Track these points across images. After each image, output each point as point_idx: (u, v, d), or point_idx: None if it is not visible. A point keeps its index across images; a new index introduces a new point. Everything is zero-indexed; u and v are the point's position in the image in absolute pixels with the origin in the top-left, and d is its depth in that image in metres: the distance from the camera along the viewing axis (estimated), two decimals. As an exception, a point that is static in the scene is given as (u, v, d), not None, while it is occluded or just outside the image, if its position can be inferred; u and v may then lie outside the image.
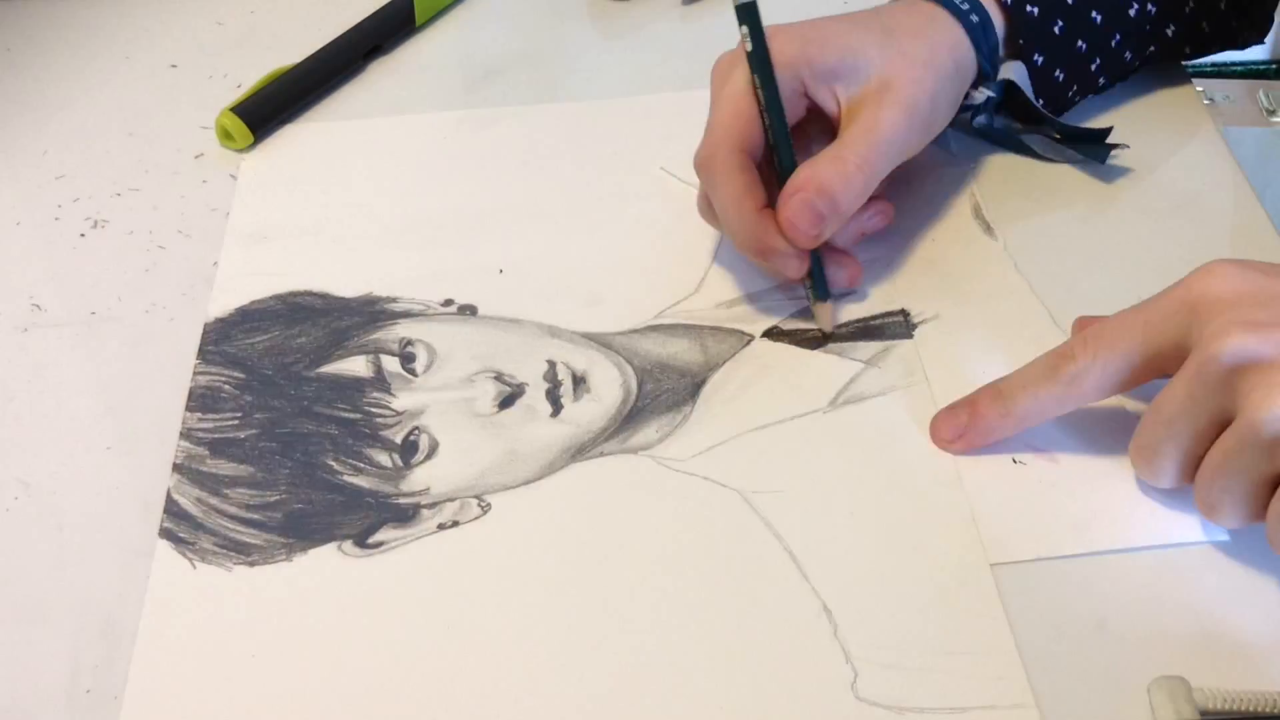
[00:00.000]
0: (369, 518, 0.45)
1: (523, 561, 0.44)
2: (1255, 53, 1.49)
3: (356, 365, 0.50)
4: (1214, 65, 1.42)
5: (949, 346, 0.49)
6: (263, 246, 0.56)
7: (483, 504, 0.45)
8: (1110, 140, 0.55)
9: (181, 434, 0.48)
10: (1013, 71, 0.55)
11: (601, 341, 0.50)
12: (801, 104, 0.50)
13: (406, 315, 0.52)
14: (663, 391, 0.48)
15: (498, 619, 0.42)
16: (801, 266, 0.48)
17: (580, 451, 0.47)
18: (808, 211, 0.47)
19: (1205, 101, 1.04)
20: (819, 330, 0.50)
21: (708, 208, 0.51)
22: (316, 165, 0.60)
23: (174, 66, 0.66)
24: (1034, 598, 0.42)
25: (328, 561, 0.44)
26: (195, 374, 0.50)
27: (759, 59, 0.47)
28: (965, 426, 0.45)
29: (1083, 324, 0.47)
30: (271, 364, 0.50)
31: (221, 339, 0.51)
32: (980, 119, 0.56)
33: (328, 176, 0.59)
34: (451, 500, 0.45)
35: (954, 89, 0.51)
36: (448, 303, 0.52)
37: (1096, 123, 0.57)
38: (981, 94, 0.54)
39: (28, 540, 0.45)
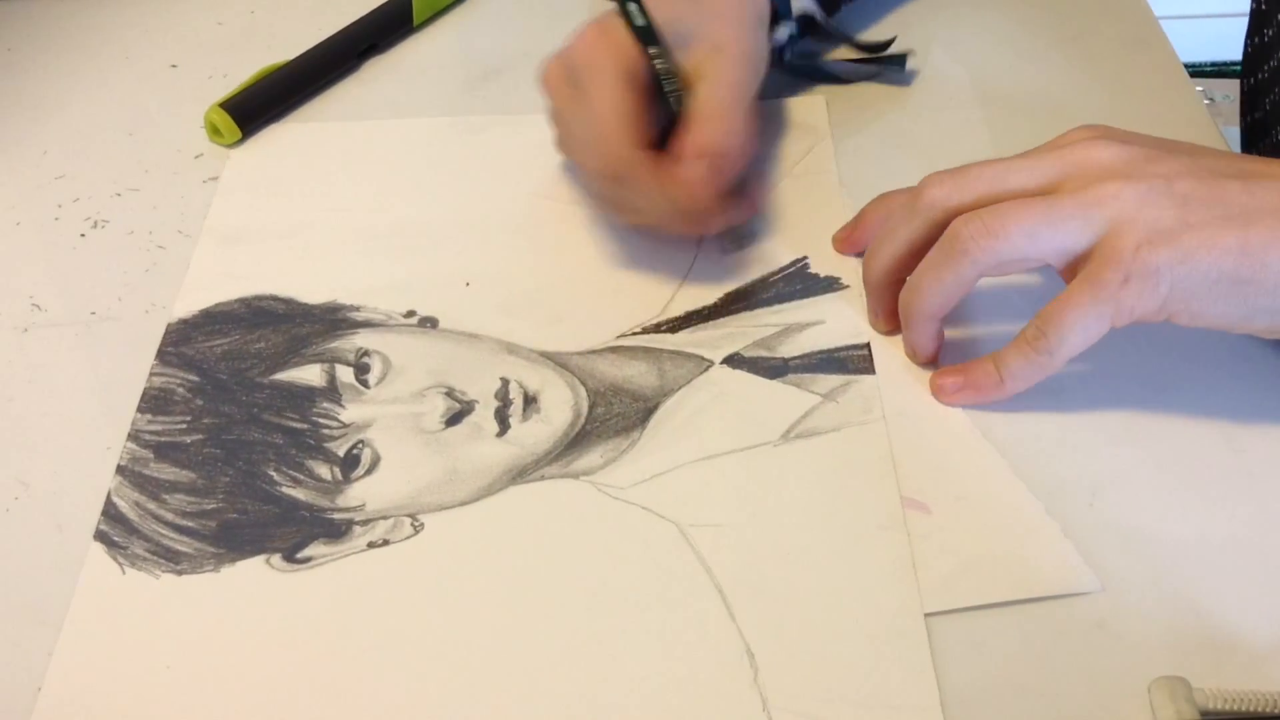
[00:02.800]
0: (300, 532, 0.45)
1: (448, 584, 0.43)
2: (1255, 52, 1.49)
3: (311, 374, 0.50)
4: (1214, 65, 1.42)
5: (912, 385, 0.48)
6: (236, 248, 0.55)
7: (416, 523, 0.45)
8: (895, 51, 0.61)
9: (130, 435, 0.48)
10: (805, 5, 0.59)
11: (558, 361, 0.50)
12: None
13: (367, 325, 0.51)
14: (613, 415, 0.48)
15: (418, 641, 0.41)
16: (721, 219, 0.51)
17: (521, 474, 0.46)
18: (712, 173, 0.48)
19: (1205, 101, 1.04)
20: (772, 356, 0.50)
21: (617, 206, 0.52)
22: (298, 167, 0.60)
23: (174, 66, 0.66)
24: (966, 649, 0.40)
25: (255, 574, 0.43)
26: (151, 375, 0.50)
27: (650, 32, 0.50)
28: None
29: (928, 199, 0.46)
30: (227, 369, 0.50)
31: (181, 340, 0.51)
32: (788, 56, 0.60)
33: (308, 179, 0.59)
34: (385, 518, 0.45)
35: (763, 34, 0.55)
36: (410, 314, 0.52)
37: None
38: (783, 32, 0.58)
39: (28, 540, 0.45)
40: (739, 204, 0.53)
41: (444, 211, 0.57)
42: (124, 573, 0.44)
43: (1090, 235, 0.43)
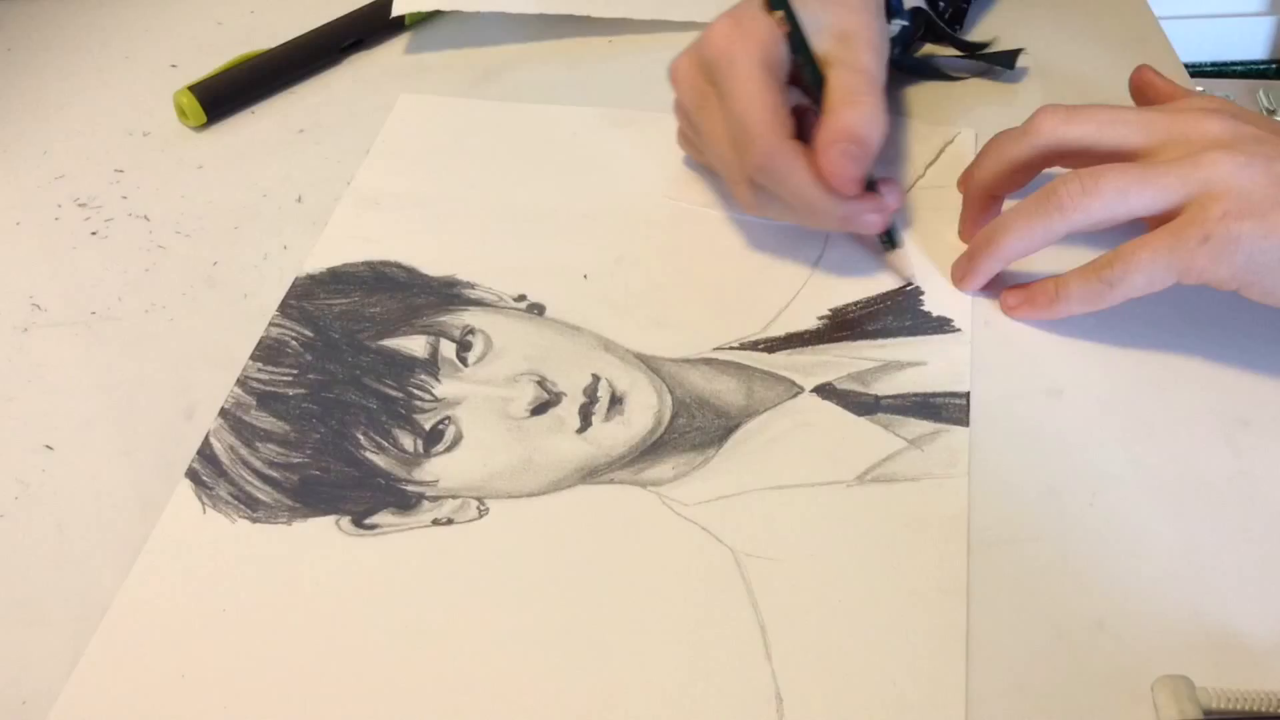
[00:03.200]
0: (373, 498, 0.45)
1: (499, 573, 0.43)
2: (1255, 52, 1.49)
3: (416, 344, 0.51)
4: (1214, 65, 1.42)
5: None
6: (374, 212, 0.57)
7: (481, 507, 0.45)
8: (999, 49, 0.62)
9: (238, 380, 0.50)
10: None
11: (651, 365, 0.49)
12: None
13: (479, 304, 0.52)
14: (693, 429, 0.47)
15: (461, 623, 0.42)
16: (883, 219, 0.50)
17: (592, 474, 0.46)
18: (849, 161, 0.47)
19: (1205, 101, 1.03)
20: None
21: (762, 201, 0.51)
22: (448, 140, 0.61)
23: (174, 66, 0.66)
24: (967, 649, 0.40)
25: (322, 533, 0.44)
26: (270, 325, 0.52)
27: (800, 40, 0.49)
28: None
29: (1046, 126, 0.48)
30: (341, 328, 0.52)
31: (305, 295, 0.53)
32: (896, 51, 0.60)
33: (455, 153, 0.60)
34: (454, 498, 0.45)
35: (883, 21, 0.54)
36: (520, 298, 0.52)
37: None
38: (895, 26, 0.59)
39: (28, 540, 0.45)
40: (882, 198, 0.51)
41: (574, 201, 0.57)
42: (204, 512, 0.45)
43: (1182, 196, 0.44)
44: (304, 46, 0.65)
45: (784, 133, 0.48)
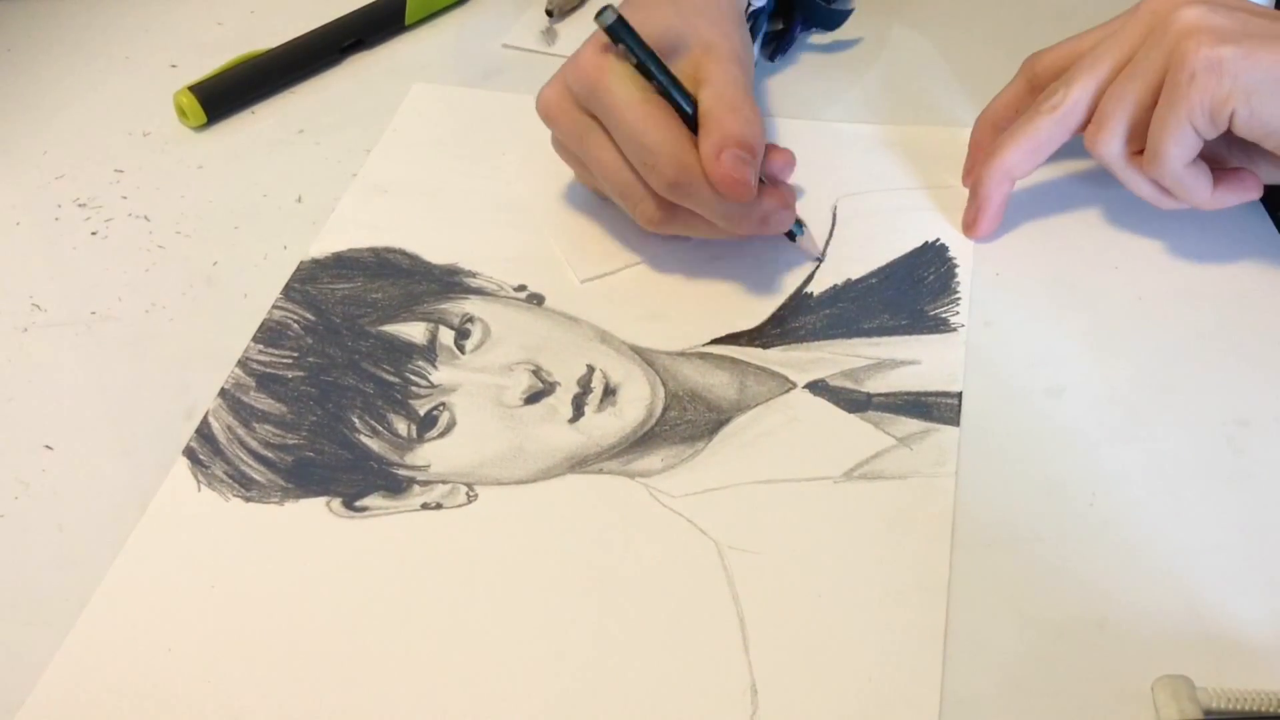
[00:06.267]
0: (365, 481, 0.46)
1: (485, 558, 0.43)
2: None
3: (415, 331, 0.51)
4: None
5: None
6: (380, 199, 0.58)
7: (471, 493, 0.45)
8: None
9: (239, 362, 0.50)
10: None
11: (646, 357, 0.50)
12: None
13: (479, 292, 0.53)
14: (684, 421, 0.47)
15: (445, 607, 0.42)
16: (792, 215, 0.50)
17: (582, 463, 0.46)
18: (742, 165, 0.47)
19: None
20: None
21: (670, 218, 0.50)
22: (459, 130, 0.61)
23: (174, 66, 0.66)
24: (967, 649, 0.40)
25: (313, 514, 0.45)
26: (273, 308, 0.52)
27: (652, 57, 0.48)
28: (972, 208, 0.53)
29: (1032, 62, 0.53)
30: (342, 313, 0.52)
31: (308, 279, 0.54)
32: (765, 28, 0.63)
33: (465, 143, 0.60)
34: (444, 483, 0.46)
35: (745, 28, 0.56)
36: (520, 288, 0.53)
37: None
38: (754, 6, 0.60)
39: (28, 540, 0.45)
40: (784, 192, 0.51)
41: (578, 191, 0.57)
42: (199, 490, 0.46)
43: (1162, 55, 0.46)
44: (304, 46, 0.65)
45: (689, 146, 0.48)
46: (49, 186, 0.59)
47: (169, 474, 0.46)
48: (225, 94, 0.62)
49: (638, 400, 0.48)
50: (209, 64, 0.64)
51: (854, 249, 0.54)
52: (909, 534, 0.43)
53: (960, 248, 0.53)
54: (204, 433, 0.48)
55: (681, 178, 0.48)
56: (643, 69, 0.48)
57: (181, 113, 0.61)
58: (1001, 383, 0.48)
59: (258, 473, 0.46)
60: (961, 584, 0.42)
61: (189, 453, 0.47)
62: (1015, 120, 0.51)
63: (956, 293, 0.52)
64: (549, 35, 0.67)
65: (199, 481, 0.46)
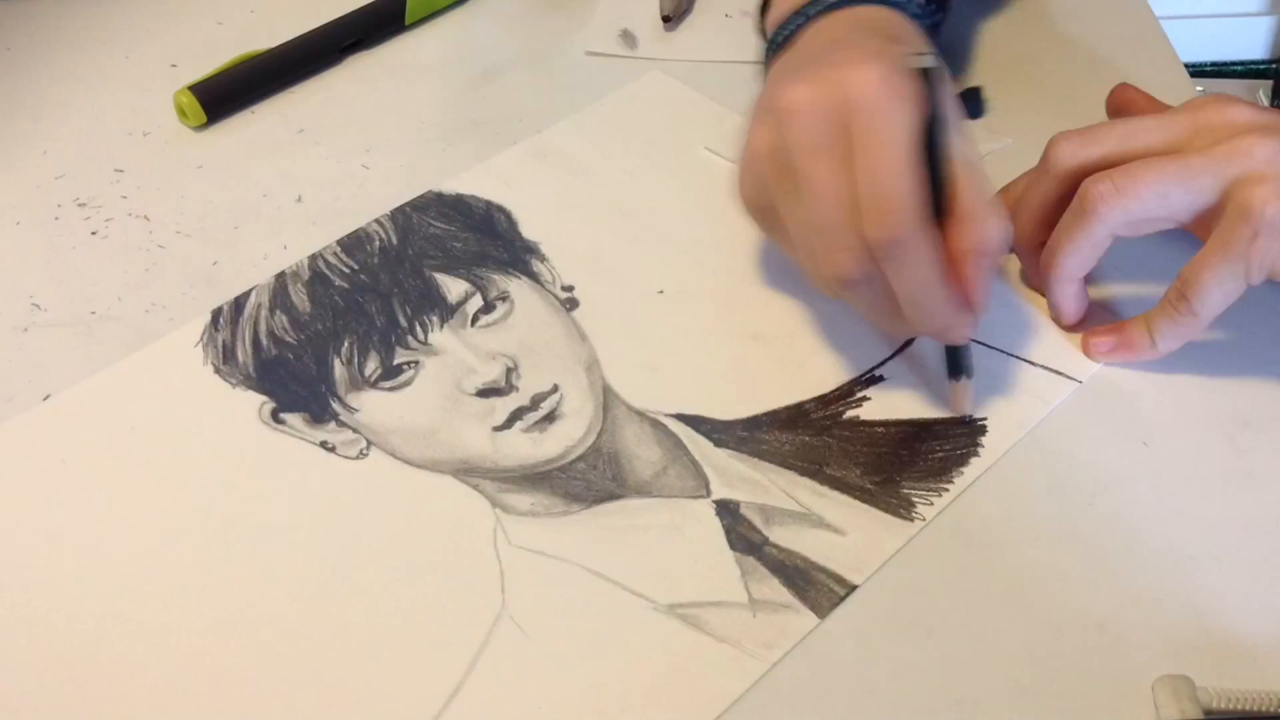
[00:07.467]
0: (303, 399, 0.48)
1: (330, 514, 0.44)
2: (1255, 52, 1.49)
3: (456, 289, 0.52)
4: (1214, 65, 1.42)
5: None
6: (536, 162, 0.58)
7: (364, 451, 0.46)
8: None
9: (314, 254, 0.53)
10: None
11: (608, 401, 0.48)
12: None
13: (534, 277, 0.53)
14: (583, 479, 0.45)
15: (271, 535, 0.44)
16: (973, 327, 0.45)
17: (468, 472, 0.45)
18: (986, 279, 0.43)
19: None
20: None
21: (879, 302, 0.44)
22: (653, 128, 0.60)
23: (174, 66, 0.66)
24: (968, 650, 0.40)
25: (245, 409, 0.48)
26: (373, 220, 0.55)
27: (942, 122, 0.42)
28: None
29: (1060, 155, 0.47)
30: (419, 249, 0.53)
31: (418, 208, 0.55)
32: None
33: (649, 140, 0.59)
34: (354, 431, 0.47)
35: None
36: (568, 288, 0.52)
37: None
38: None
39: (28, 540, 0.45)
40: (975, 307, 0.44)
41: (700, 226, 0.55)
42: (194, 346, 0.50)
43: (1220, 191, 0.43)
44: (304, 46, 0.65)
45: (926, 214, 0.42)
46: (49, 186, 0.59)
47: (185, 326, 0.51)
48: (225, 94, 0.62)
49: (564, 437, 0.46)
50: (209, 64, 0.63)
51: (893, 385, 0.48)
52: (679, 692, 0.39)
53: (1009, 431, 0.46)
54: (240, 301, 0.51)
55: (901, 240, 0.41)
56: (930, 128, 0.42)
57: (181, 112, 0.61)
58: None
59: (242, 352, 0.49)
60: (962, 584, 0.42)
61: (216, 311, 0.51)
62: (1058, 217, 0.47)
63: (949, 484, 0.44)
64: (627, 39, 0.66)
65: (202, 339, 0.50)
